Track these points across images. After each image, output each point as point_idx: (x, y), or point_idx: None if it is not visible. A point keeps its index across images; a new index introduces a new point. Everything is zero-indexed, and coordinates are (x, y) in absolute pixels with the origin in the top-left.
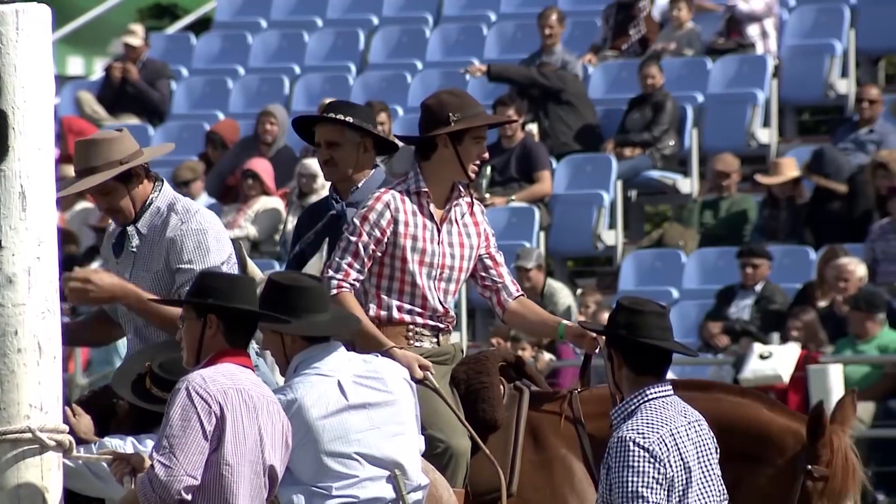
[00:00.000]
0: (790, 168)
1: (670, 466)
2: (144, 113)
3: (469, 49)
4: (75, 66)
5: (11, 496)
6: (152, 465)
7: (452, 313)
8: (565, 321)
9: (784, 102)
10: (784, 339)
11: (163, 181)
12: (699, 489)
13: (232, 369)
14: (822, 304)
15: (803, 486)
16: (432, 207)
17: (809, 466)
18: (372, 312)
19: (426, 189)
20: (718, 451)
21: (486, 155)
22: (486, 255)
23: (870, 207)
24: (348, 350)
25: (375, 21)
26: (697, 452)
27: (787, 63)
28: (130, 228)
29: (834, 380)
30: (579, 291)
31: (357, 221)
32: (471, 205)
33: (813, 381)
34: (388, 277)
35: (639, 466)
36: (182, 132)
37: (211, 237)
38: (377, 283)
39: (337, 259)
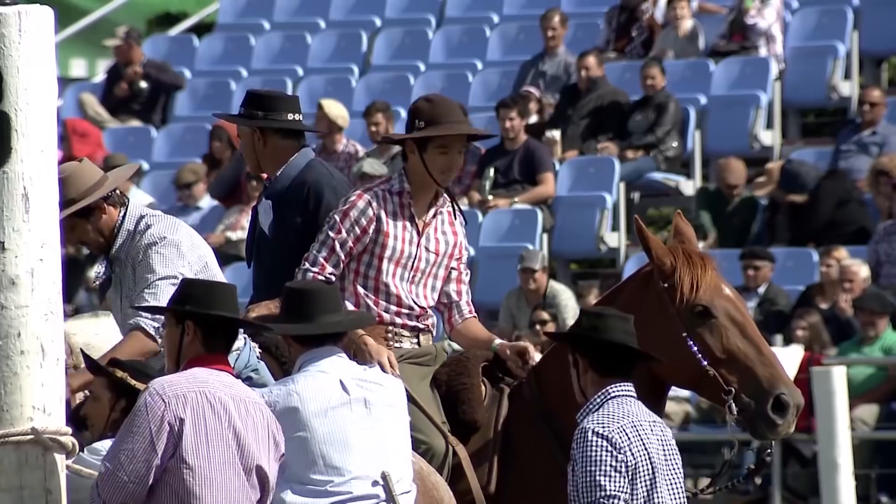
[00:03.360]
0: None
1: (632, 455)
2: (146, 113)
3: (472, 51)
4: (78, 67)
5: (14, 498)
6: (109, 471)
7: (430, 313)
8: (498, 340)
9: (787, 104)
10: (787, 341)
11: (127, 203)
12: (668, 485)
13: (201, 374)
14: (825, 305)
15: (677, 306)
16: (414, 209)
17: (663, 284)
18: (350, 309)
19: (409, 189)
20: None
21: (457, 166)
22: (454, 268)
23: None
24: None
25: (378, 22)
26: (664, 450)
27: (789, 65)
28: (103, 263)
29: (837, 382)
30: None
31: (337, 217)
32: (451, 213)
33: (816, 384)
34: (364, 276)
35: (596, 455)
36: (185, 134)
37: (168, 245)
38: (354, 279)
39: (314, 252)
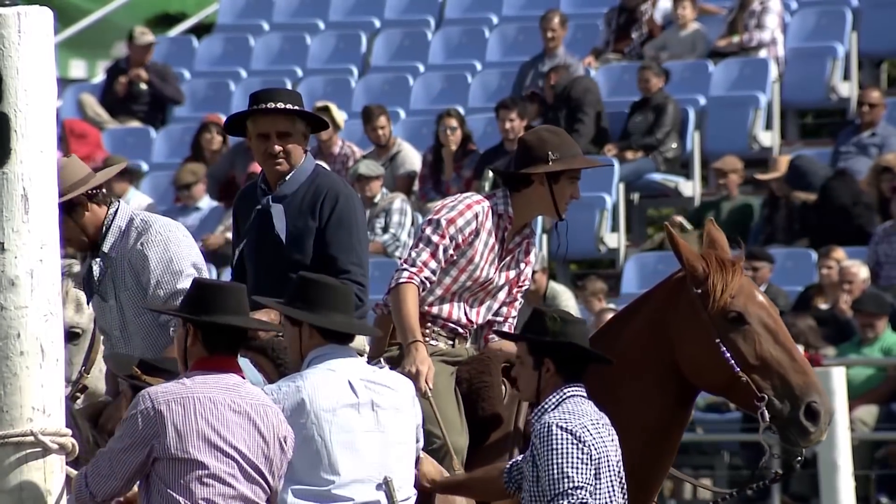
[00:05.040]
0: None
1: (595, 449)
2: (147, 115)
3: (471, 52)
4: (77, 68)
5: (14, 499)
6: (90, 465)
7: (474, 328)
8: None
9: (786, 105)
10: None
11: (119, 201)
12: (619, 483)
13: (199, 377)
14: (824, 306)
15: (710, 312)
16: (506, 234)
17: (695, 290)
18: None
19: (511, 215)
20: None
21: (579, 195)
22: (511, 293)
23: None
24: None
25: (377, 24)
26: (615, 450)
27: (789, 66)
28: (95, 261)
29: (837, 383)
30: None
31: (443, 222)
32: (529, 244)
33: None
34: (437, 282)
35: (562, 448)
36: (184, 135)
37: (172, 245)
38: None
39: (414, 254)
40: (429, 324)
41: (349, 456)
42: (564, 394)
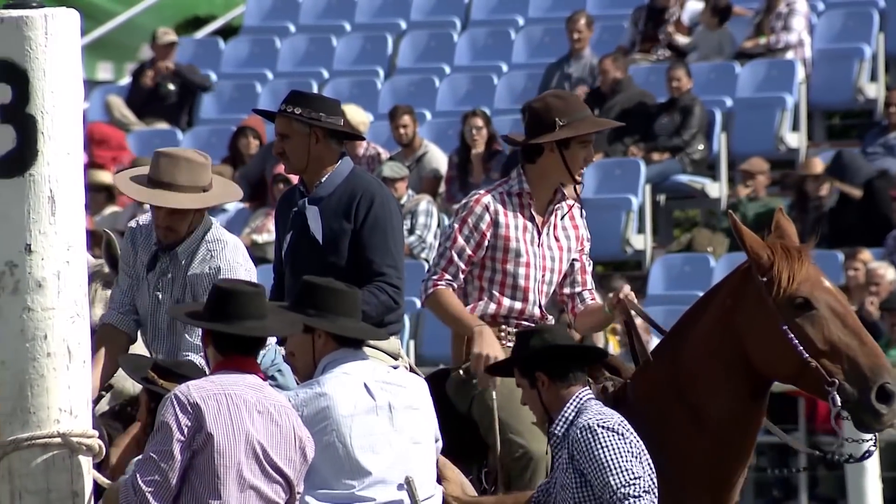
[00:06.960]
0: (820, 167)
1: (635, 445)
2: (173, 117)
3: (497, 53)
4: (105, 70)
5: (41, 500)
6: (136, 474)
7: (549, 317)
8: (605, 303)
9: (813, 107)
10: None
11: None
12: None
13: (227, 376)
14: (852, 308)
15: (776, 299)
16: (534, 210)
17: (761, 278)
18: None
19: (529, 191)
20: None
21: (594, 158)
22: (577, 259)
23: (887, 213)
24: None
25: (403, 25)
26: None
27: (815, 67)
28: (166, 256)
29: None
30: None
31: (456, 225)
32: (571, 206)
33: None
34: (490, 280)
35: (611, 445)
36: (211, 137)
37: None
38: (479, 284)
39: (432, 265)
40: (502, 326)
41: (371, 459)
42: (582, 399)
